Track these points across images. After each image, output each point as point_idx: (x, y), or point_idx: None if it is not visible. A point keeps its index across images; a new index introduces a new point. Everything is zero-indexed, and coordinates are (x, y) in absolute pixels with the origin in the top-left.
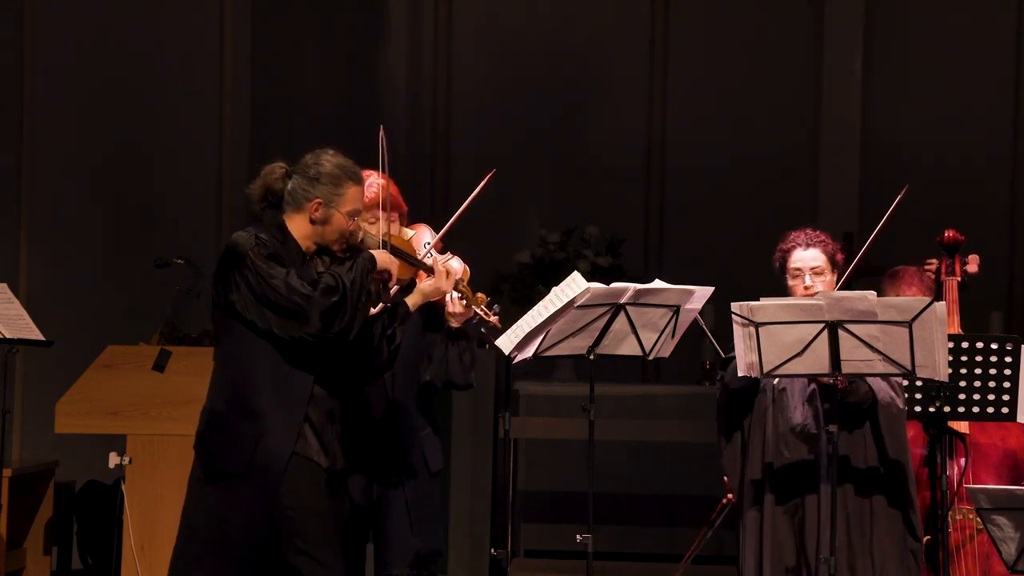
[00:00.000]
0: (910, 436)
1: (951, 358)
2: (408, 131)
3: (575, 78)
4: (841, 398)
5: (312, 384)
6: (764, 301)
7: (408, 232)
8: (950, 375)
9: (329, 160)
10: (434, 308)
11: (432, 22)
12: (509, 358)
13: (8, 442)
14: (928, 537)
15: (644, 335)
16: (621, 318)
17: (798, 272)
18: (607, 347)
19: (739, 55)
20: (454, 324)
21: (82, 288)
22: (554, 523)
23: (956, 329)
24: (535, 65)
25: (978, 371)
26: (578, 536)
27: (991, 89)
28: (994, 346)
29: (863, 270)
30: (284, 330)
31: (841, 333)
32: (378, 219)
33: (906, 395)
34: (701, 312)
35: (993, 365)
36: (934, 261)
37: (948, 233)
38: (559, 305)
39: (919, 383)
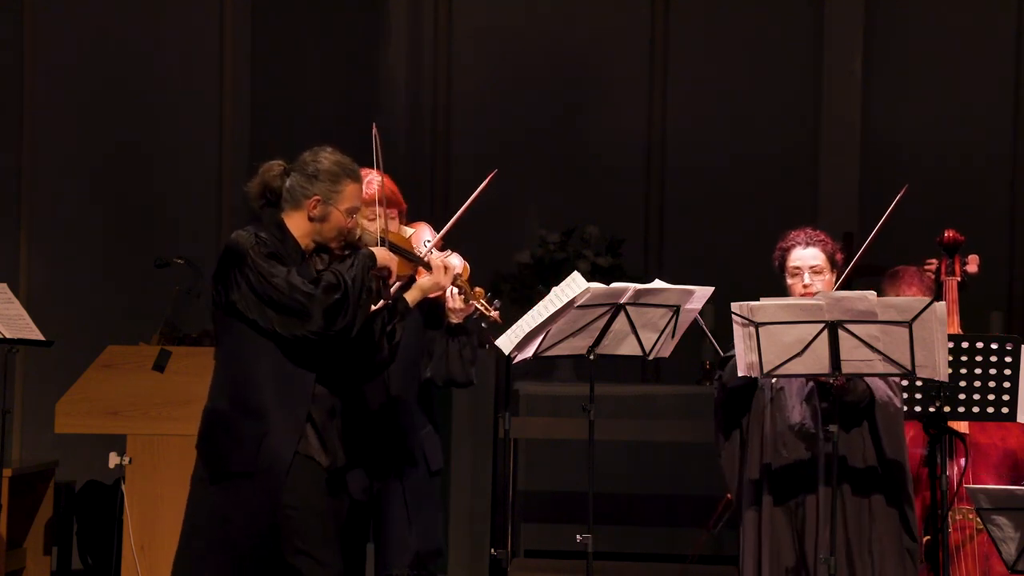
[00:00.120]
0: (910, 436)
1: (951, 358)
2: (408, 131)
3: (575, 78)
4: (839, 397)
5: (313, 382)
6: (764, 301)
7: (408, 230)
8: (950, 375)
9: (327, 157)
10: (434, 305)
11: (432, 22)
12: (509, 358)
13: (8, 442)
14: (928, 537)
15: (644, 335)
16: (621, 318)
17: (797, 271)
18: (607, 347)
19: (739, 55)
20: (454, 320)
21: (82, 288)
22: (554, 523)
23: (956, 329)
24: (535, 65)
25: (978, 371)
26: (578, 536)
27: (991, 89)
28: (994, 346)
29: (863, 270)
30: (286, 328)
31: (841, 333)
32: (382, 217)
33: (906, 395)
34: (701, 312)
35: (993, 365)
36: (934, 261)
37: (948, 233)
38: (559, 305)
39: (919, 383)
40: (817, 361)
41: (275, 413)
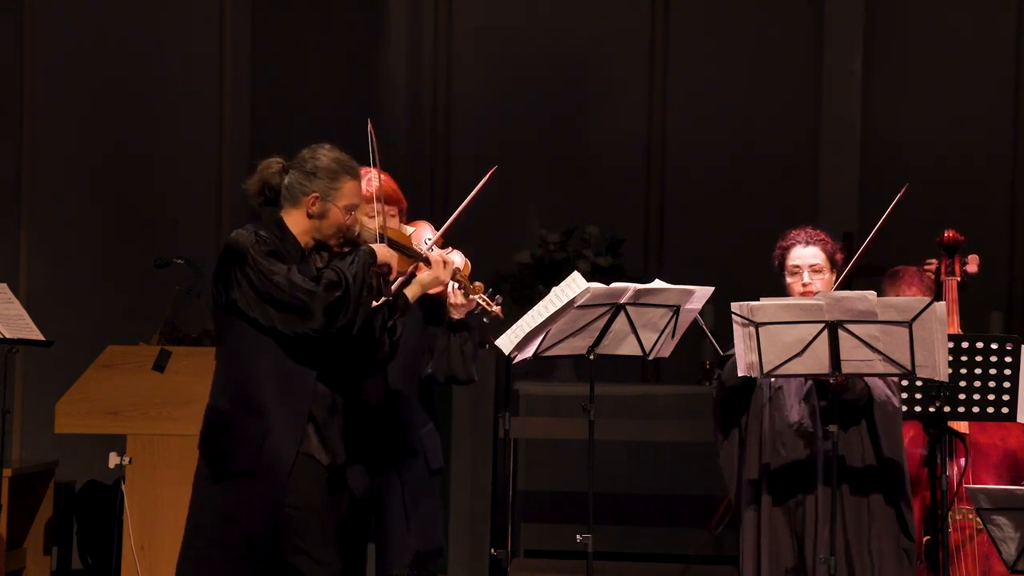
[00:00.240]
0: (910, 436)
1: (951, 358)
2: (408, 131)
3: (575, 78)
4: (838, 395)
5: (315, 380)
6: (764, 301)
7: (408, 229)
8: (950, 375)
9: (326, 155)
10: (436, 301)
11: (432, 22)
12: (509, 358)
13: (8, 442)
14: (928, 537)
15: (644, 335)
16: (621, 318)
17: (796, 269)
18: (607, 347)
19: (739, 55)
20: (456, 316)
21: (82, 288)
22: (554, 523)
23: (956, 329)
24: (535, 65)
25: (978, 371)
26: (578, 536)
27: (991, 89)
28: (994, 346)
29: (863, 270)
30: (287, 326)
31: (841, 333)
32: (384, 214)
33: (906, 395)
34: (701, 312)
35: (993, 365)
36: (934, 261)
37: (948, 233)
38: (559, 305)
39: (919, 383)
40: (817, 361)
41: (276, 411)
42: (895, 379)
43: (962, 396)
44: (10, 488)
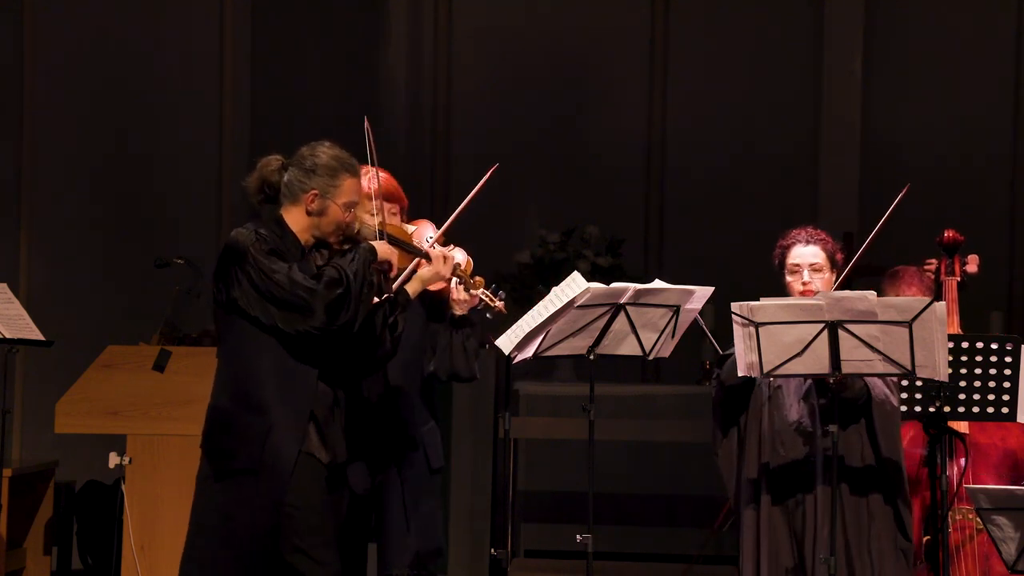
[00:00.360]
0: (910, 436)
1: (951, 358)
2: (408, 131)
3: (575, 78)
4: (837, 393)
5: (316, 378)
6: (764, 301)
7: (410, 228)
8: (950, 375)
9: (325, 152)
10: (438, 298)
11: (432, 22)
12: (509, 358)
13: (8, 442)
14: (928, 537)
15: (644, 335)
16: (621, 318)
17: (796, 268)
18: (607, 347)
19: (739, 55)
20: (458, 312)
21: (82, 288)
22: (554, 523)
23: (956, 329)
24: (535, 65)
25: (978, 371)
26: (578, 536)
27: (991, 89)
28: (994, 346)
29: (863, 270)
30: (288, 324)
31: (841, 333)
32: (379, 210)
33: (906, 395)
34: (701, 312)
35: (993, 365)
36: (934, 261)
37: (948, 233)
38: (559, 305)
39: (919, 383)
40: (817, 361)
41: (278, 410)
42: (894, 379)
43: (962, 396)
44: (10, 488)
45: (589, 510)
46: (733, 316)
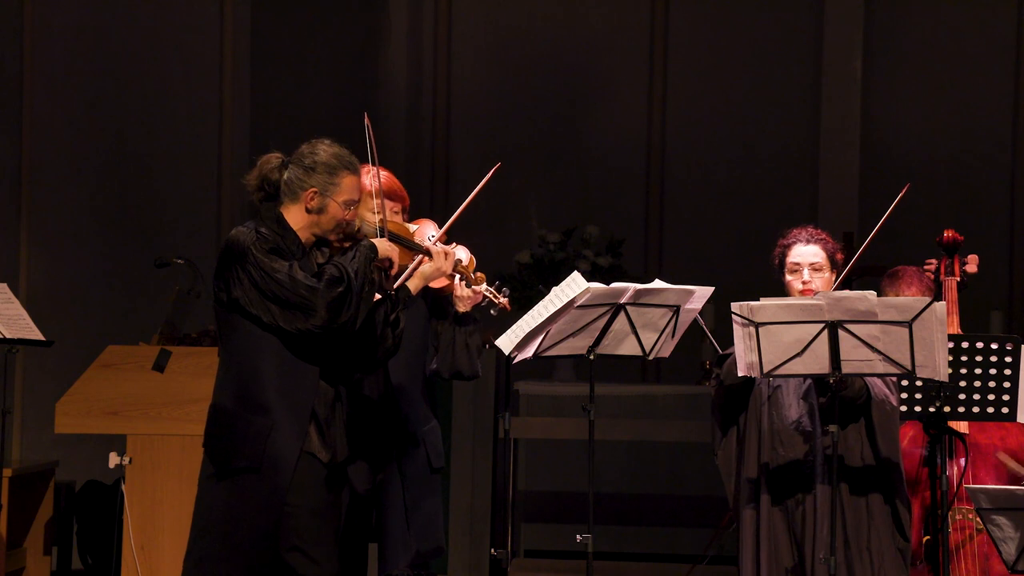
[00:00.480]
0: (910, 436)
1: (951, 358)
2: (408, 131)
3: (575, 78)
4: (837, 391)
5: (318, 376)
6: (764, 301)
7: (412, 227)
8: (950, 375)
9: (325, 149)
10: (441, 296)
11: (432, 22)
12: (509, 358)
13: (8, 442)
14: (928, 537)
15: (644, 335)
16: (621, 318)
17: (796, 267)
18: (607, 347)
19: (739, 55)
20: (462, 309)
21: (82, 288)
22: (554, 523)
23: (956, 329)
24: (535, 65)
25: (978, 371)
26: (578, 536)
27: (991, 89)
28: (994, 346)
29: (863, 270)
30: (290, 323)
31: (841, 333)
32: (384, 208)
33: (906, 395)
34: (701, 312)
35: (993, 365)
36: (934, 261)
37: (947, 233)
38: (559, 305)
39: (919, 383)
40: (817, 361)
41: (279, 408)
42: (893, 378)
43: (962, 396)
44: (10, 488)
45: (589, 510)
46: (733, 316)
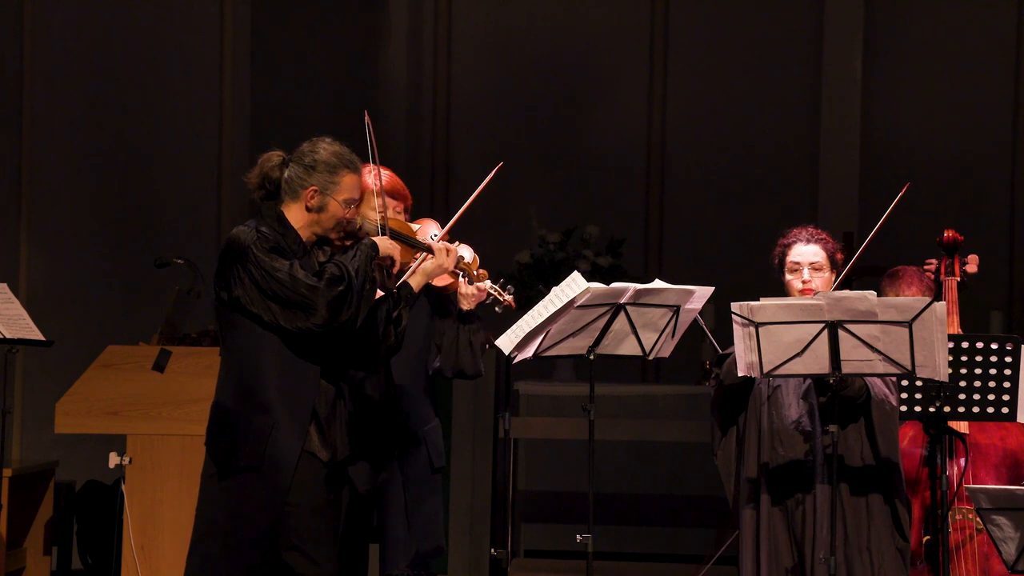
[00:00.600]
0: (910, 436)
1: (951, 358)
2: (408, 131)
3: (575, 78)
4: (838, 391)
5: (319, 375)
6: (764, 301)
7: (414, 227)
8: (950, 375)
9: (325, 148)
10: (444, 294)
11: (432, 22)
12: (509, 358)
13: (8, 442)
14: (928, 537)
15: (644, 335)
16: (621, 318)
17: (796, 266)
18: (607, 347)
19: (739, 54)
20: (466, 306)
21: (82, 288)
22: (554, 523)
23: (956, 329)
24: (535, 65)
25: (978, 371)
26: (578, 536)
27: (991, 89)
28: (994, 346)
29: (863, 270)
30: (290, 322)
31: (841, 333)
32: (384, 207)
33: (906, 395)
34: (701, 312)
35: (993, 365)
36: (934, 261)
37: (947, 233)
38: (559, 305)
39: (919, 383)
40: (817, 361)
41: (281, 407)
42: (893, 378)
43: (962, 396)
44: (10, 488)
45: (589, 510)
46: (733, 316)
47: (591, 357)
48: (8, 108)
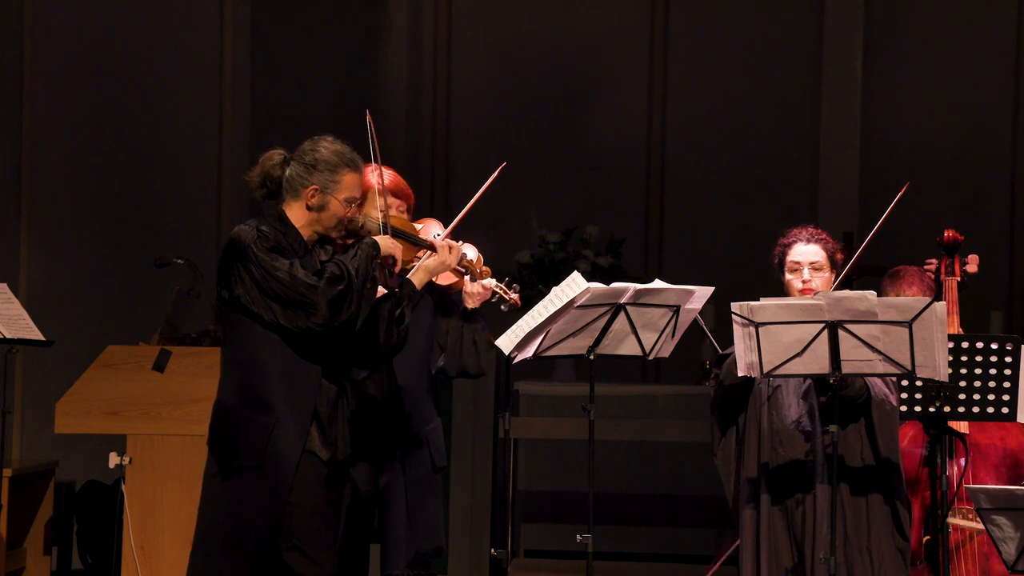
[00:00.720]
0: (910, 436)
1: (951, 358)
2: (408, 131)
3: (575, 78)
4: (838, 390)
5: (320, 374)
6: (764, 301)
7: (417, 226)
8: (950, 375)
9: (326, 147)
10: (448, 293)
11: (432, 22)
12: (509, 358)
13: (8, 442)
14: (928, 537)
15: (644, 335)
16: (621, 318)
17: (797, 266)
18: (607, 347)
19: (739, 54)
20: (471, 304)
21: (82, 288)
22: (554, 523)
23: (956, 329)
24: (535, 65)
25: (978, 371)
26: (578, 536)
27: (991, 89)
28: (994, 346)
29: (863, 270)
30: (291, 321)
31: (841, 333)
32: (387, 206)
33: (906, 395)
34: (701, 312)
35: (993, 365)
36: (934, 261)
37: (948, 233)
38: (559, 305)
39: (919, 383)
40: (817, 361)
41: (282, 407)
42: (893, 378)
43: (962, 396)
44: (10, 488)
45: (589, 510)
46: (733, 316)
47: (591, 357)
48: (8, 108)
